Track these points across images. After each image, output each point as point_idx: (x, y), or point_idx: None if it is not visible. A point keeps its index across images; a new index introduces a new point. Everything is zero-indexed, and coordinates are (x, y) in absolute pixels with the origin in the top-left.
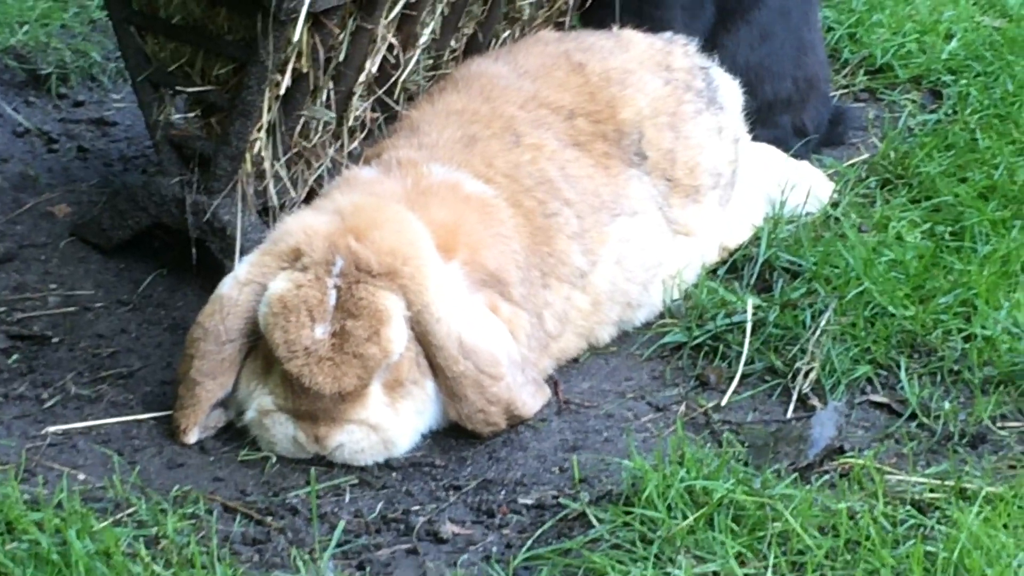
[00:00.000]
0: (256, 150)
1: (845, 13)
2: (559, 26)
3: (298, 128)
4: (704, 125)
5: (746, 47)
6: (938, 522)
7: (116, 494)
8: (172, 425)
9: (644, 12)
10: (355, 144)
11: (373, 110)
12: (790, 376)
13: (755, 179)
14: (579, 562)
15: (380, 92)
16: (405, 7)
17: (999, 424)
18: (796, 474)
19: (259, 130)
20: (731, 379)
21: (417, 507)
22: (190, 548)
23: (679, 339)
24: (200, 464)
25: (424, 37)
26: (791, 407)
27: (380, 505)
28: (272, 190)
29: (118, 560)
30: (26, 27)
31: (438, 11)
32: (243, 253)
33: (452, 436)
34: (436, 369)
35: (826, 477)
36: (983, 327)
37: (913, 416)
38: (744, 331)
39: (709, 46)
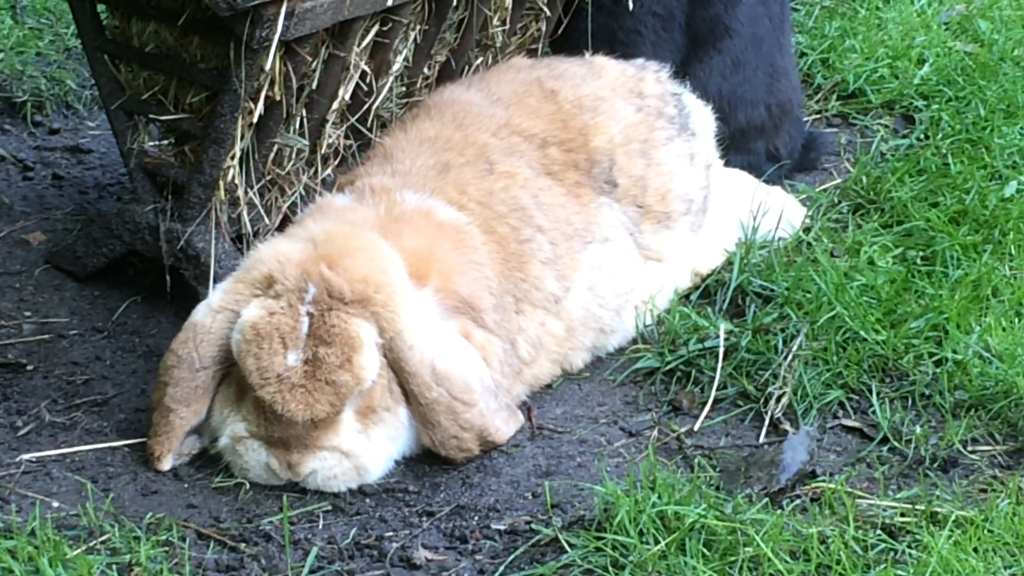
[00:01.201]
0: (229, 178)
1: (818, 39)
2: (532, 53)
3: (271, 156)
4: (676, 152)
5: (718, 76)
6: (909, 546)
7: (90, 522)
8: (146, 452)
9: (614, 42)
10: (328, 171)
11: (346, 137)
12: (762, 401)
13: (727, 205)
14: None
15: (353, 119)
16: (378, 35)
17: (970, 448)
18: (768, 499)
19: (232, 158)
20: (704, 404)
21: (390, 533)
22: (163, 575)
23: (652, 364)
24: (174, 491)
25: (397, 65)
26: (763, 432)
27: (353, 531)
28: (246, 217)
29: None
30: (1, 55)
31: (411, 39)
32: (217, 280)
33: (425, 462)
34: (409, 396)
35: (798, 502)
36: (954, 351)
37: (885, 440)
38: (717, 356)
39: (681, 75)
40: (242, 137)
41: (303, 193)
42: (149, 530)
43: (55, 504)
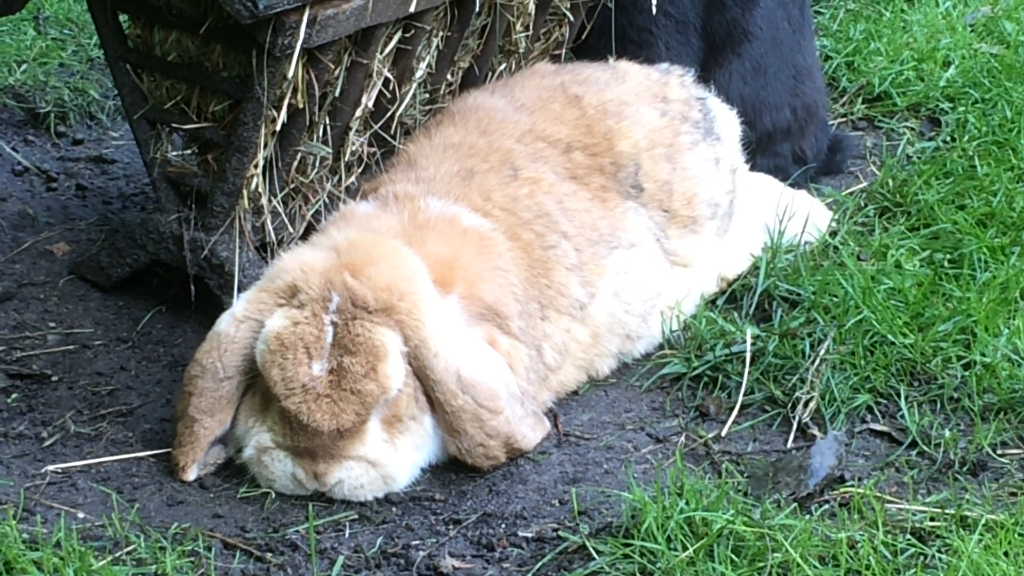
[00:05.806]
0: (253, 186)
1: (843, 42)
2: (555, 59)
3: (295, 164)
4: (701, 156)
5: (739, 80)
6: (939, 551)
7: (115, 532)
8: (171, 462)
9: (627, 42)
10: (352, 179)
11: (370, 145)
12: (790, 406)
13: (753, 209)
14: None
15: (376, 127)
16: (400, 41)
17: (999, 451)
18: (796, 504)
19: (256, 166)
20: (731, 409)
21: (417, 541)
22: None
23: (678, 370)
24: (199, 501)
25: (420, 71)
26: (791, 437)
27: (380, 540)
28: (269, 226)
29: None
30: (24, 66)
31: (433, 45)
32: (241, 289)
33: (452, 470)
34: (435, 404)
35: (826, 507)
36: (983, 354)
37: (913, 444)
38: (743, 361)
39: (702, 80)
40: (265, 145)
41: (327, 201)
42: (175, 540)
43: (80, 515)
